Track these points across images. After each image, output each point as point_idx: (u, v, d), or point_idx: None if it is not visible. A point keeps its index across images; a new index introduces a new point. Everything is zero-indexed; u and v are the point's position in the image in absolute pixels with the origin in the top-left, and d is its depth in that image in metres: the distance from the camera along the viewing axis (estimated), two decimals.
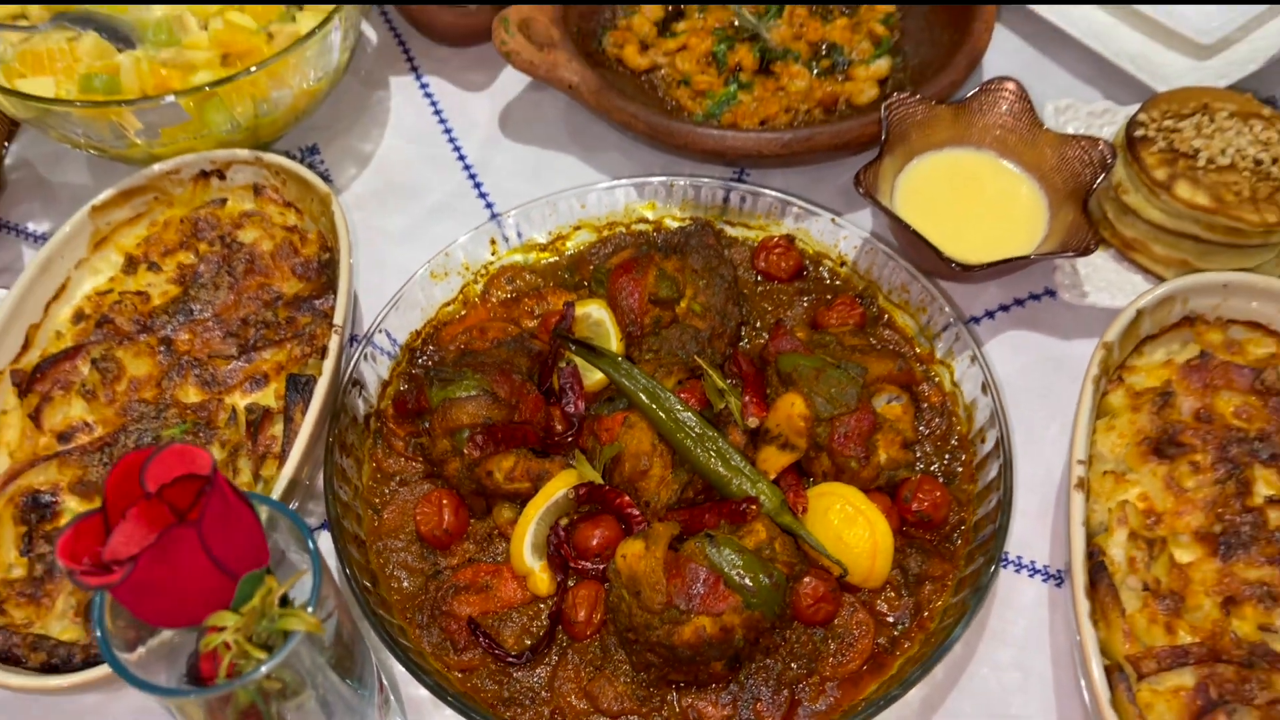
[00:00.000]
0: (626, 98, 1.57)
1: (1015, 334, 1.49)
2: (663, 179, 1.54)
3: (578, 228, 1.54)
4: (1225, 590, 1.12)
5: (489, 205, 1.68)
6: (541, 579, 1.22)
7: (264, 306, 1.42)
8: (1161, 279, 1.43)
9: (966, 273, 1.38)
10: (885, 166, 1.49)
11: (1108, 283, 1.46)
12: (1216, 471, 1.20)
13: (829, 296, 1.46)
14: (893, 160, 1.51)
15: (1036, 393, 1.43)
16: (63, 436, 1.30)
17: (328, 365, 1.29)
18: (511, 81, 1.82)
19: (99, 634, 0.84)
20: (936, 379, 1.38)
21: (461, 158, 1.74)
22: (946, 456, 1.32)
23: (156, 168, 1.48)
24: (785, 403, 1.25)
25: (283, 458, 1.26)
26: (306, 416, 1.24)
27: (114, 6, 1.62)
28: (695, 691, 1.16)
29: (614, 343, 1.36)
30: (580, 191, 1.53)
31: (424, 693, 1.19)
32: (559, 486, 1.23)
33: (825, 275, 1.49)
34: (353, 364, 1.35)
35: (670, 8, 1.82)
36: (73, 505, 1.26)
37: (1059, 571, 1.29)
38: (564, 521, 1.24)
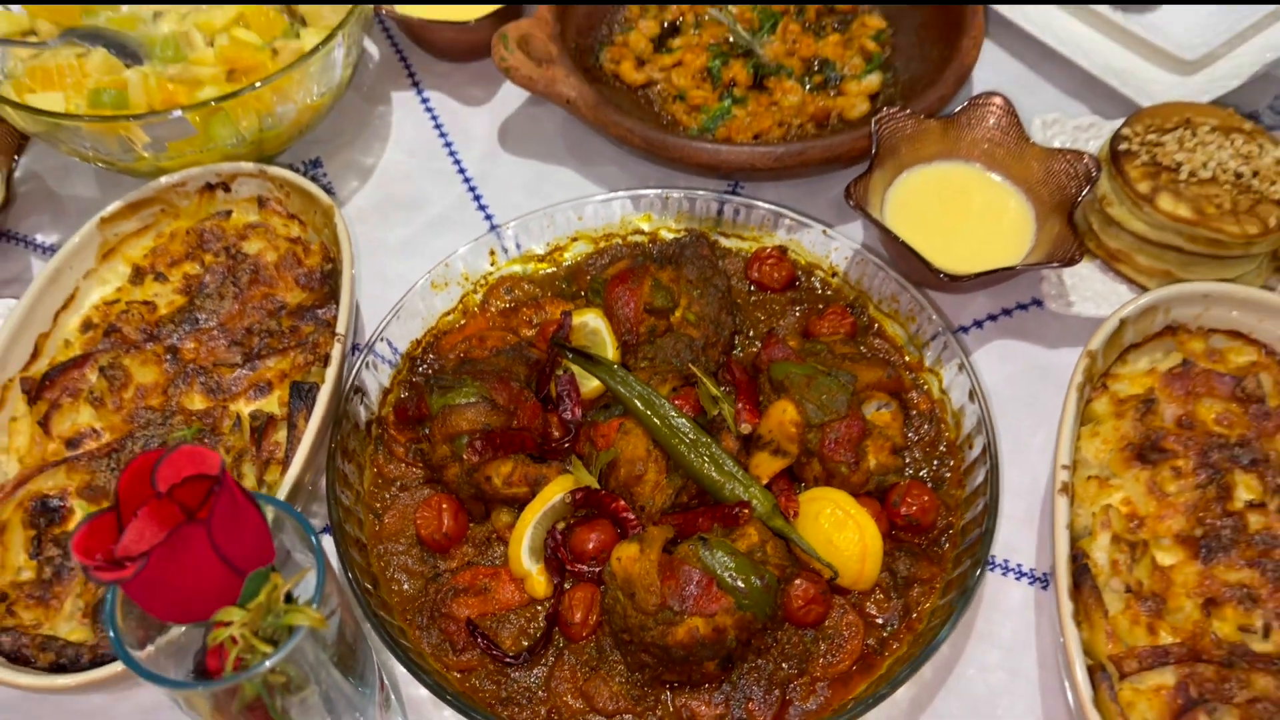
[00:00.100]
0: (623, 112, 1.59)
1: (1003, 343, 1.51)
2: (658, 191, 1.56)
3: (575, 239, 1.56)
4: (1206, 592, 1.13)
5: (488, 217, 1.70)
6: (539, 581, 1.23)
7: (268, 316, 1.43)
8: (1145, 289, 1.44)
9: (955, 283, 1.40)
10: (876, 179, 1.50)
11: (1093, 293, 1.48)
12: (1198, 476, 1.22)
13: (820, 306, 1.48)
14: (883, 173, 1.53)
15: (1023, 400, 1.44)
16: (71, 442, 1.32)
17: (330, 373, 1.31)
18: (510, 96, 1.84)
19: (111, 630, 0.85)
20: (925, 387, 1.40)
21: (461, 171, 1.76)
22: (935, 462, 1.34)
23: (163, 180, 1.49)
24: (777, 409, 1.26)
25: (286, 463, 1.28)
26: (309, 423, 1.26)
27: (122, 19, 1.64)
28: (689, 691, 1.17)
29: (610, 351, 1.38)
30: (577, 204, 1.55)
31: (424, 692, 1.21)
32: (556, 491, 1.25)
33: (817, 285, 1.51)
34: (355, 372, 1.36)
35: (666, 24, 1.85)
36: (81, 509, 1.27)
37: (1044, 574, 1.31)
38: (561, 525, 1.25)
